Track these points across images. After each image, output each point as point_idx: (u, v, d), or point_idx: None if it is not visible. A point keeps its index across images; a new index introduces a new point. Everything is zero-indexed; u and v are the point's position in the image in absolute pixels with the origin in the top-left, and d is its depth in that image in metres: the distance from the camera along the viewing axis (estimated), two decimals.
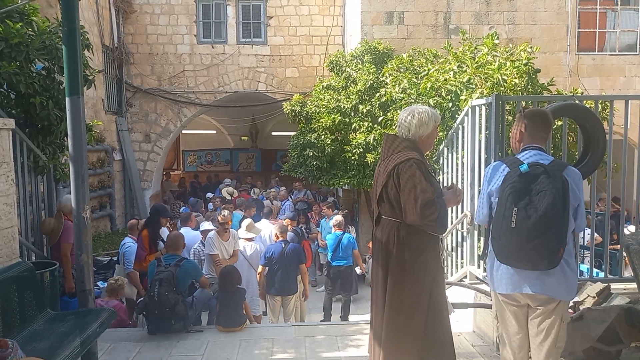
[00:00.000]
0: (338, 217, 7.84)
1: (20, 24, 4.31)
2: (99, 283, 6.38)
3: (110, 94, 11.59)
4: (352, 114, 8.73)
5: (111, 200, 11.25)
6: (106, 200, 11.10)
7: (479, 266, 4.31)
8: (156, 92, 12.25)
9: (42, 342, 3.22)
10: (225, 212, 6.36)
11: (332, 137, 8.98)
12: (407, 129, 2.84)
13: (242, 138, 18.37)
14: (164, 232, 6.09)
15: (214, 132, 18.10)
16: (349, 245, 7.43)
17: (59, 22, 4.76)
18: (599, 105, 5.08)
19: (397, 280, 2.77)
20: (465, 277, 4.48)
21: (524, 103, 3.95)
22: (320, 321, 7.04)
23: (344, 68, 9.46)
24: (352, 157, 8.45)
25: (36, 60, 4.56)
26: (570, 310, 3.07)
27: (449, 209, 4.54)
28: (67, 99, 3.48)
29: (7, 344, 2.61)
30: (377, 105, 8.29)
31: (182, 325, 4.43)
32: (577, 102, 3.86)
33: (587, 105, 3.97)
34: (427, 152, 3.01)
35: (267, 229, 7.15)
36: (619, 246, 4.30)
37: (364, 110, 8.49)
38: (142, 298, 5.13)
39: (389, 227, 2.82)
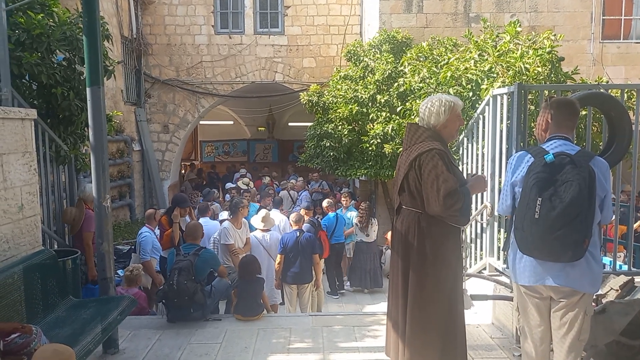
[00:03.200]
0: (327, 200, 8.76)
1: (42, 15, 4.36)
2: (119, 271, 6.48)
3: (129, 84, 11.69)
4: (370, 104, 8.67)
5: (130, 190, 11.38)
6: (125, 190, 11.24)
7: (498, 258, 4.26)
8: (174, 82, 12.32)
9: (65, 328, 3.28)
10: (245, 201, 6.41)
11: (350, 127, 8.94)
12: (428, 118, 2.82)
13: (259, 129, 18.41)
14: (186, 221, 6.17)
15: (231, 122, 18.17)
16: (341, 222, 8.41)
17: (79, 12, 4.80)
18: (625, 95, 4.94)
19: (419, 274, 2.74)
20: (485, 268, 4.44)
21: (547, 92, 3.86)
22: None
23: (361, 58, 9.38)
24: (370, 148, 8.41)
25: (56, 51, 4.61)
26: (592, 303, 3.01)
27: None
28: (87, 89, 3.50)
29: (32, 329, 2.68)
30: (395, 95, 8.21)
31: (201, 313, 4.46)
32: (602, 91, 3.76)
33: (613, 95, 3.87)
34: (450, 142, 2.96)
35: (277, 218, 7.20)
36: None
37: (382, 101, 8.42)
38: (161, 287, 5.21)
39: (409, 217, 2.79)
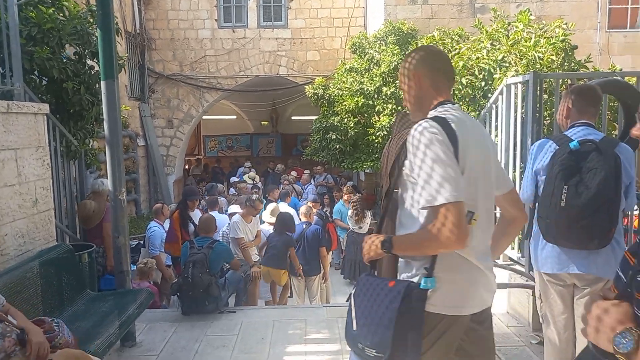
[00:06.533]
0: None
1: (52, 9, 4.33)
2: None
3: (133, 80, 11.66)
4: (376, 96, 8.64)
5: (136, 186, 11.39)
6: (131, 185, 11.24)
7: (512, 247, 4.26)
8: (178, 77, 12.28)
9: (85, 321, 3.29)
10: (255, 197, 6.44)
11: (355, 120, 8.92)
12: None
13: (262, 123, 18.37)
14: (197, 215, 6.17)
15: (234, 117, 18.13)
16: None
17: (89, 7, 4.78)
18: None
19: None
20: (499, 258, 4.44)
21: (568, 80, 3.84)
22: None
23: (366, 50, 9.34)
24: (376, 140, 8.39)
25: (65, 46, 4.60)
26: None
27: None
28: (102, 82, 3.50)
29: (52, 327, 2.65)
30: None
31: (215, 306, 4.48)
32: (619, 78, 3.74)
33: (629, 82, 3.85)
34: None
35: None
36: None
37: (388, 93, 8.40)
38: (172, 281, 5.23)
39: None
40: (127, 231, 3.79)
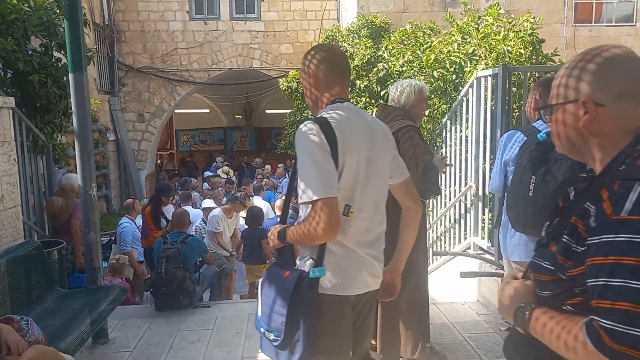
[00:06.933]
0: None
1: None
2: None
3: (102, 73, 11.40)
4: (350, 89, 8.66)
5: (106, 181, 11.17)
6: (101, 181, 11.01)
7: (482, 237, 4.36)
8: (149, 70, 12.07)
9: (55, 319, 3.22)
10: (243, 194, 6.48)
11: None
12: (399, 98, 3.05)
13: (236, 117, 18.24)
14: (170, 210, 6.10)
15: (207, 111, 17.94)
16: None
17: None
18: None
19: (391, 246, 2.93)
20: (469, 247, 4.53)
21: (535, 73, 3.93)
22: None
23: (340, 43, 9.34)
24: None
25: (30, 39, 4.47)
26: None
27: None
28: (70, 75, 3.41)
29: (21, 326, 2.59)
30: (375, 81, 8.22)
31: (190, 301, 4.45)
32: None
33: None
34: (418, 123, 3.19)
35: (260, 205, 7.21)
36: None
37: (362, 86, 8.41)
38: (145, 277, 5.16)
39: None
40: (98, 227, 3.72)
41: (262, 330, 1.83)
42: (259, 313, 1.85)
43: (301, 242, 1.79)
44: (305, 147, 1.71)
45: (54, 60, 4.61)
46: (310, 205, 1.69)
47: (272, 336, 1.76)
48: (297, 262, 1.84)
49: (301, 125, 1.76)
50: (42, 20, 4.33)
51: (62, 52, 4.49)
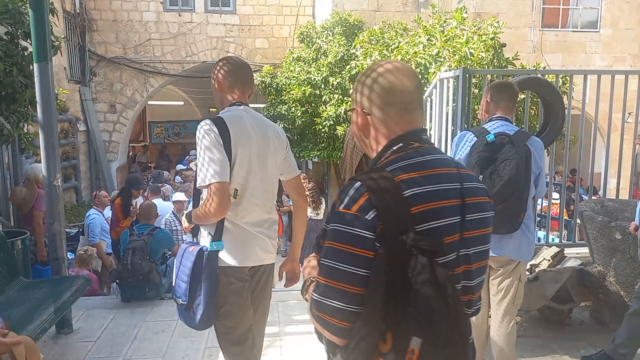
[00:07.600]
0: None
1: None
2: (67, 254, 6.34)
3: (72, 62, 11.19)
4: (323, 86, 8.75)
5: (76, 172, 10.98)
6: (71, 172, 10.83)
7: None
8: (121, 61, 11.89)
9: (17, 308, 3.23)
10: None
11: (303, 109, 9.00)
12: None
13: (210, 110, 18.07)
14: (140, 202, 6.09)
15: (182, 103, 17.75)
16: None
17: None
18: (560, 80, 5.29)
19: None
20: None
21: (489, 77, 4.09)
22: None
23: (314, 40, 9.42)
24: (323, 130, 8.52)
25: None
26: (527, 272, 3.29)
27: None
28: (35, 65, 3.41)
29: None
30: (348, 78, 8.33)
31: (156, 292, 4.49)
32: (539, 76, 4.03)
33: (549, 80, 4.15)
34: None
35: None
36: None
37: (335, 83, 8.52)
38: (112, 269, 5.15)
39: None
40: (62, 217, 3.73)
41: (174, 297, 2.17)
42: (173, 283, 2.19)
43: (200, 221, 2.12)
44: (201, 139, 2.04)
45: (19, 48, 4.54)
46: (207, 189, 2.02)
47: (180, 301, 2.12)
48: (199, 239, 2.18)
49: (201, 122, 2.08)
50: (7, 7, 4.27)
51: (28, 40, 4.43)
